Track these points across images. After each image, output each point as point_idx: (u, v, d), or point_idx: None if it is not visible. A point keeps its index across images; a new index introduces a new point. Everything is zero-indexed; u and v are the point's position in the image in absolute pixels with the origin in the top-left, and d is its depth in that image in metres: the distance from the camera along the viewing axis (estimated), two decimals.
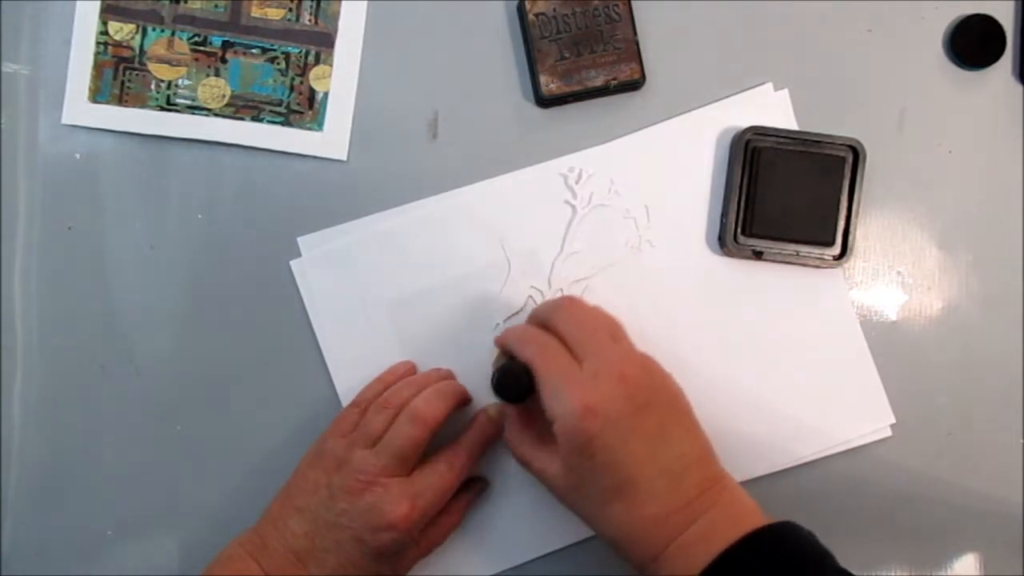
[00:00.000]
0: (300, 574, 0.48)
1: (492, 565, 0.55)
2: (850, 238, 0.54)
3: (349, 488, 0.48)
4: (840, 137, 0.54)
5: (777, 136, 0.54)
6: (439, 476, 0.50)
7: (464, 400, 0.53)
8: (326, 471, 0.49)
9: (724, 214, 0.55)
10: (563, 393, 0.45)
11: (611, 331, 0.49)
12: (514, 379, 0.48)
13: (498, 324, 0.55)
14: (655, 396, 0.47)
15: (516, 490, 0.55)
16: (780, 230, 0.54)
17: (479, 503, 0.55)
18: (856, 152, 0.54)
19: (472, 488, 0.54)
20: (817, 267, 0.55)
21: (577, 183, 0.55)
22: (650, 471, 0.45)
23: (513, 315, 0.55)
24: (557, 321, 0.49)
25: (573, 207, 0.56)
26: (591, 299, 0.55)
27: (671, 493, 0.45)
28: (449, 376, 0.54)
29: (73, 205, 0.55)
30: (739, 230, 0.55)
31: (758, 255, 0.55)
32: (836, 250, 0.55)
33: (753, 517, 0.45)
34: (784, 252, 0.55)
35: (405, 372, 0.54)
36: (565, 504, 0.48)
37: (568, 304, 0.50)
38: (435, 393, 0.51)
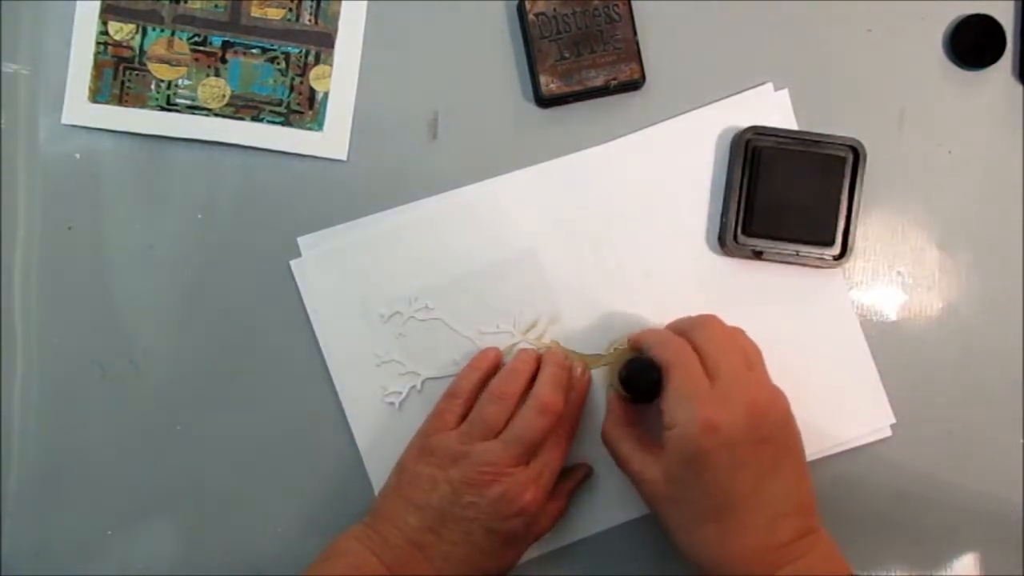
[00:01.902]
0: (424, 569, 0.48)
1: None
2: (850, 238, 0.54)
3: (474, 481, 0.48)
4: (840, 137, 0.54)
5: (777, 136, 0.54)
6: (552, 450, 0.51)
7: (570, 378, 0.53)
8: (441, 466, 0.49)
9: (724, 213, 0.55)
10: (691, 402, 0.46)
11: (748, 357, 0.49)
12: (646, 374, 0.49)
13: (497, 324, 0.55)
14: (777, 432, 0.47)
15: None
16: (780, 230, 0.54)
17: None
18: (856, 152, 0.54)
19: (575, 474, 0.54)
20: (817, 267, 0.55)
21: (577, 182, 0.55)
22: (754, 503, 0.45)
23: (513, 314, 0.55)
24: (697, 336, 0.49)
25: (573, 207, 0.56)
26: (591, 298, 0.56)
27: (769, 531, 0.45)
28: (539, 357, 0.53)
29: (73, 205, 0.55)
30: (739, 230, 0.55)
31: (758, 255, 0.55)
32: (836, 250, 0.55)
33: (843, 567, 0.46)
34: (784, 252, 0.55)
35: (496, 357, 0.54)
36: (654, 512, 0.49)
37: (711, 322, 0.50)
38: (552, 381, 0.51)
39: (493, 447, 0.49)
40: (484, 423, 0.50)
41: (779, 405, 0.48)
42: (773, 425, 0.47)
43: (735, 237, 0.55)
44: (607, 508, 0.55)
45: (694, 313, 0.55)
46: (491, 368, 0.53)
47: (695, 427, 0.45)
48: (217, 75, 0.55)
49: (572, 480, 0.54)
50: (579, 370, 0.54)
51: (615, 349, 0.55)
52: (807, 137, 0.54)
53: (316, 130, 0.55)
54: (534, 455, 0.50)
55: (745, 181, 0.54)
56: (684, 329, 0.50)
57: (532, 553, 0.55)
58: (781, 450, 0.47)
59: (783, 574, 0.45)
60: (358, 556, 0.48)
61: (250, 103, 0.55)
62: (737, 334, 0.51)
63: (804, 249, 0.55)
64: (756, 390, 0.47)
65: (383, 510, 0.50)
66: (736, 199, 0.54)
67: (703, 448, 0.45)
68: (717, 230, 0.56)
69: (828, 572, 0.45)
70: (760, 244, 0.55)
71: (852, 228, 0.54)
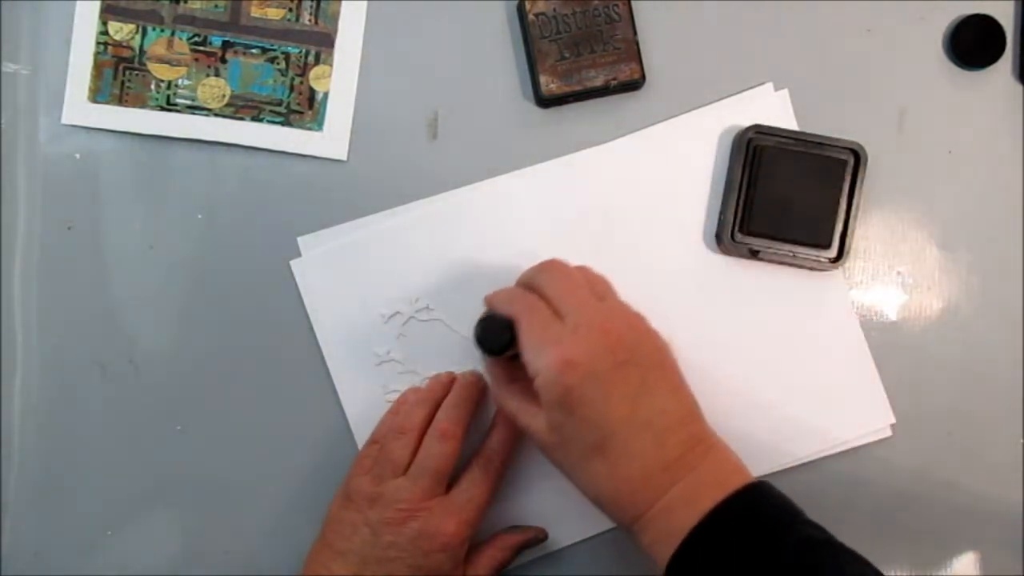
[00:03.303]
0: None
1: None
2: (847, 241, 0.54)
3: (391, 520, 0.48)
4: (842, 140, 0.54)
5: (779, 136, 0.54)
6: (477, 486, 0.50)
7: (480, 395, 0.53)
8: (359, 510, 0.49)
9: (722, 211, 0.55)
10: (543, 345, 0.45)
11: (595, 288, 0.49)
12: (496, 330, 0.48)
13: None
14: (638, 351, 0.46)
15: (517, 491, 0.55)
16: (777, 230, 0.54)
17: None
18: (857, 155, 0.54)
19: (526, 531, 0.54)
20: (812, 269, 0.55)
21: (577, 182, 0.55)
22: (631, 427, 0.45)
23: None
24: (541, 281, 0.48)
25: (573, 207, 0.56)
26: None
27: (653, 451, 0.45)
28: (451, 380, 0.54)
29: (73, 205, 0.55)
30: (736, 228, 0.55)
31: (754, 254, 0.55)
32: (832, 253, 0.55)
33: (738, 476, 0.45)
34: (780, 252, 0.55)
35: (415, 400, 0.53)
36: (551, 461, 0.48)
37: (551, 265, 0.50)
38: (452, 406, 0.51)
39: (402, 483, 0.49)
40: (390, 461, 0.50)
41: (635, 327, 0.47)
42: (631, 347, 0.46)
43: (732, 235, 0.55)
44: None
45: (694, 313, 0.56)
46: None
47: (554, 369, 0.44)
48: (217, 75, 0.55)
49: (520, 535, 0.53)
50: (469, 376, 0.53)
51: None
52: (809, 138, 0.54)
53: (316, 130, 0.55)
54: (448, 486, 0.50)
55: (745, 180, 0.54)
56: (528, 279, 0.50)
57: (533, 554, 0.55)
58: (647, 368, 0.46)
59: (677, 491, 0.44)
60: None
61: (250, 103, 0.55)
62: (582, 270, 0.50)
63: (801, 250, 0.55)
64: (607, 318, 0.46)
65: (311, 564, 0.50)
66: (735, 197, 0.54)
67: (567, 386, 0.44)
68: (715, 229, 0.56)
69: (723, 478, 0.44)
70: (757, 243, 0.55)
71: (850, 231, 0.54)
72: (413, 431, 0.50)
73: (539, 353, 0.45)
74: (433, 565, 0.48)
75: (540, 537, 0.54)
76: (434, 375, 0.54)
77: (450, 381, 0.53)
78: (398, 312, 0.55)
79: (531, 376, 0.46)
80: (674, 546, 0.43)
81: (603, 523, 0.55)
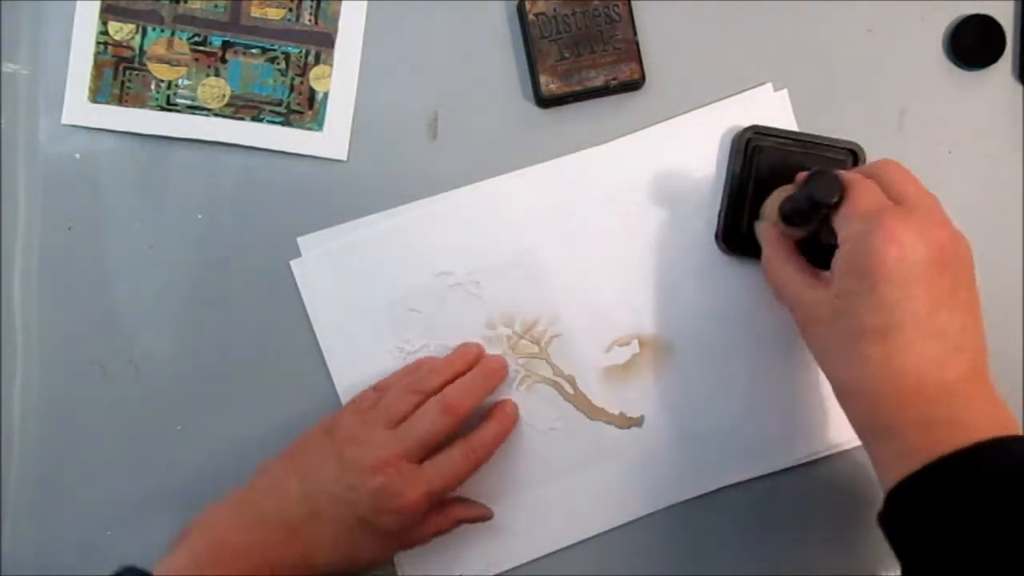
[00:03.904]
0: (291, 547, 0.47)
1: (494, 565, 0.55)
2: (831, 263, 0.54)
3: (362, 465, 0.47)
4: (840, 140, 0.54)
5: (777, 136, 0.54)
6: (453, 466, 0.49)
7: (496, 385, 0.52)
8: (337, 443, 0.49)
9: (721, 211, 0.55)
10: (873, 214, 0.43)
11: (935, 199, 0.46)
12: (829, 184, 0.45)
13: (497, 324, 0.55)
14: (959, 264, 0.44)
15: (513, 492, 0.55)
16: None
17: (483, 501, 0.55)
18: (856, 155, 0.54)
19: (474, 508, 0.54)
20: None
21: (577, 182, 0.55)
22: (923, 329, 0.42)
23: (513, 314, 0.55)
24: (877, 170, 0.47)
25: (573, 207, 0.56)
26: (591, 298, 0.56)
27: (936, 364, 0.42)
28: (478, 357, 0.53)
29: (73, 205, 0.55)
30: (735, 227, 0.55)
31: (753, 253, 0.55)
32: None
33: (1006, 426, 0.42)
34: None
35: (436, 366, 0.53)
36: (807, 336, 0.47)
37: (894, 164, 0.47)
38: (468, 385, 0.51)
39: (388, 436, 0.48)
40: (387, 412, 0.49)
41: (964, 244, 0.45)
42: (955, 258, 0.44)
43: (731, 235, 0.55)
44: (606, 509, 0.55)
45: (694, 312, 0.56)
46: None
47: (877, 237, 0.42)
48: (217, 75, 0.55)
49: (467, 511, 0.53)
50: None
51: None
52: (807, 138, 0.54)
53: (316, 130, 0.55)
54: (429, 458, 0.49)
55: (743, 180, 0.54)
56: (867, 170, 0.48)
57: (532, 555, 0.55)
58: (961, 284, 0.44)
59: (941, 413, 0.41)
60: (226, 531, 0.47)
61: (250, 103, 0.55)
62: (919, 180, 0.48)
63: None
64: (940, 223, 0.44)
65: (268, 472, 0.49)
66: (734, 198, 0.54)
67: (882, 259, 0.42)
68: (715, 229, 0.56)
69: (992, 420, 0.41)
70: (753, 243, 0.54)
71: (832, 253, 0.54)
72: (424, 394, 0.50)
73: (865, 219, 0.43)
74: (381, 523, 0.48)
75: (487, 517, 0.54)
76: (463, 344, 0.54)
77: (475, 357, 0.53)
78: (398, 312, 0.55)
79: (841, 241, 0.44)
80: (911, 469, 0.41)
81: (602, 525, 0.56)
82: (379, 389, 0.52)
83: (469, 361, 0.53)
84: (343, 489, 0.48)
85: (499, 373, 0.53)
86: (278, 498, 0.48)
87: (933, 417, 0.42)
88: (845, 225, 0.45)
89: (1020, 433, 0.42)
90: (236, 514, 0.48)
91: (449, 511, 0.52)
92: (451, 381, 0.51)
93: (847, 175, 0.46)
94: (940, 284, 0.43)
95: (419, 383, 0.51)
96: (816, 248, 0.49)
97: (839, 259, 0.45)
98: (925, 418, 0.42)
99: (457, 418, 0.49)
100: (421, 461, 0.49)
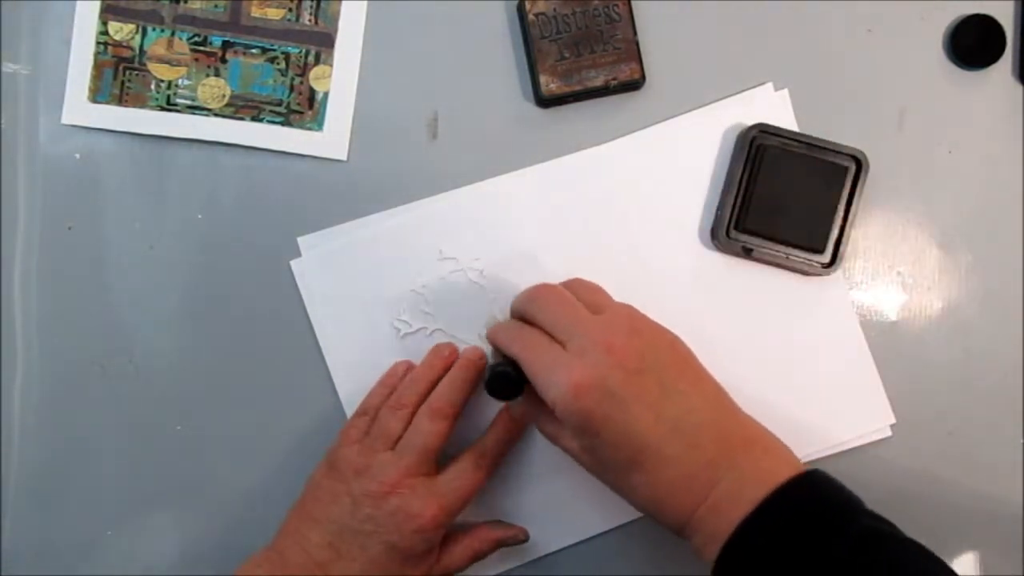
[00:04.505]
0: None
1: (493, 565, 0.55)
2: (841, 247, 0.54)
3: (372, 493, 0.48)
4: (846, 146, 0.54)
5: (782, 136, 0.54)
6: (465, 477, 0.50)
7: (480, 375, 0.52)
8: (343, 480, 0.49)
9: (719, 207, 0.55)
10: (553, 378, 0.45)
11: (591, 301, 0.48)
12: (504, 380, 0.48)
13: (496, 318, 0.55)
14: (649, 356, 0.45)
15: (514, 491, 0.55)
16: (772, 229, 0.54)
17: (480, 504, 0.55)
18: (859, 163, 0.54)
19: (509, 529, 0.53)
20: (804, 273, 0.55)
21: (577, 182, 0.55)
22: (659, 434, 0.44)
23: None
24: (534, 312, 0.48)
25: (573, 207, 0.56)
26: None
27: (688, 454, 0.44)
28: (453, 355, 0.53)
29: (73, 205, 0.55)
30: (731, 224, 0.55)
31: (747, 252, 0.55)
32: (826, 258, 0.55)
33: (786, 467, 0.44)
34: (773, 252, 0.55)
35: (406, 371, 0.54)
36: (596, 477, 0.48)
37: (540, 292, 0.49)
38: (449, 386, 0.51)
39: (388, 458, 0.49)
40: (382, 434, 0.50)
41: (639, 330, 0.46)
42: (641, 354, 0.45)
43: (727, 232, 0.55)
44: (603, 511, 0.55)
45: (694, 313, 0.55)
46: (398, 382, 0.53)
47: (568, 397, 0.43)
48: (217, 75, 0.55)
49: (501, 531, 0.53)
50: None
51: (492, 351, 0.53)
52: (812, 141, 0.54)
53: (316, 130, 0.55)
54: (434, 467, 0.49)
55: (744, 178, 0.54)
56: (521, 310, 0.49)
57: (532, 555, 0.55)
58: (662, 371, 0.45)
59: (722, 488, 0.43)
60: None
61: (250, 103, 0.55)
62: (572, 285, 0.49)
63: (794, 252, 0.55)
64: (609, 332, 0.45)
65: (287, 528, 0.50)
66: (733, 194, 0.54)
67: (585, 411, 0.43)
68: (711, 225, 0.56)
69: (769, 470, 0.43)
70: (751, 242, 0.55)
71: (845, 238, 0.54)
72: (410, 406, 0.50)
73: (550, 386, 0.45)
74: (407, 545, 0.48)
75: (521, 538, 0.53)
76: (435, 346, 0.54)
77: (452, 356, 0.53)
78: (398, 312, 0.55)
79: (551, 408, 0.45)
80: (721, 544, 0.42)
81: (602, 525, 0.56)
82: (364, 413, 0.52)
83: (446, 360, 0.53)
84: (361, 521, 0.48)
85: (477, 365, 0.52)
86: (302, 548, 0.48)
87: (719, 498, 0.43)
88: (543, 395, 0.45)
89: (798, 464, 0.44)
90: (262, 567, 0.48)
91: (483, 534, 0.52)
92: (435, 384, 0.51)
93: (514, 346, 0.47)
94: (647, 389, 0.44)
95: (403, 397, 0.51)
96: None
97: (562, 421, 0.45)
98: (712, 503, 0.43)
99: (449, 420, 0.50)
100: (431, 473, 0.49)
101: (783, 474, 0.43)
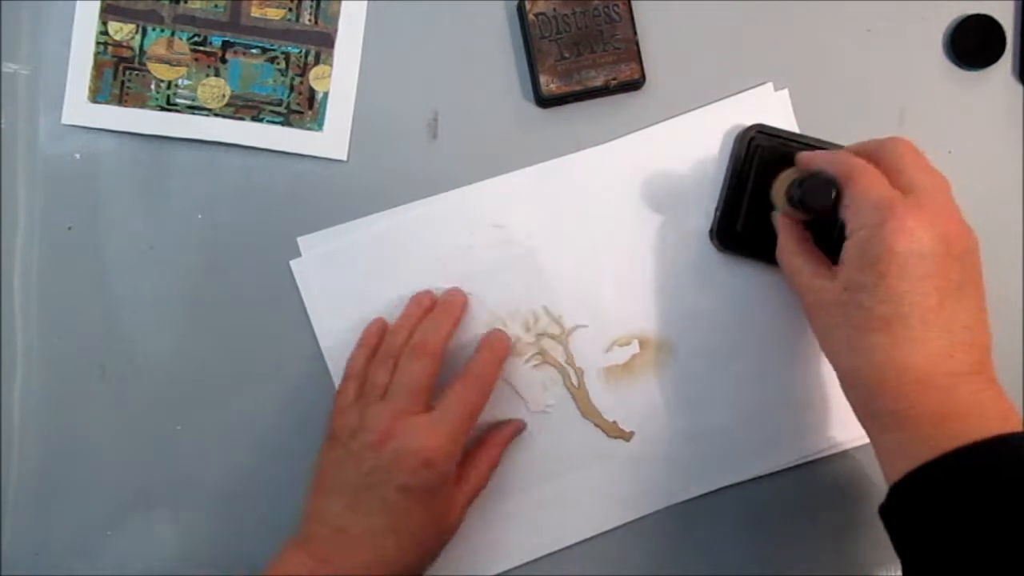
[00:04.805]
0: (355, 553, 0.47)
1: (493, 565, 0.55)
2: (841, 250, 0.54)
3: (371, 444, 0.47)
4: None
5: (780, 137, 0.54)
6: (457, 400, 0.49)
7: (462, 313, 0.52)
8: (343, 444, 0.49)
9: (719, 208, 0.55)
10: (882, 205, 0.43)
11: (946, 191, 0.46)
12: (822, 187, 0.46)
13: (500, 318, 0.55)
14: (968, 258, 0.44)
15: (518, 489, 0.55)
16: (771, 230, 0.54)
17: (479, 504, 0.55)
18: None
19: (504, 427, 0.54)
20: None
21: (577, 182, 0.55)
22: (932, 320, 0.42)
23: (513, 314, 0.55)
24: (887, 154, 0.46)
25: (573, 207, 0.56)
26: (591, 298, 0.55)
27: (943, 357, 0.42)
28: (432, 302, 0.53)
29: (73, 205, 0.55)
30: (731, 225, 0.54)
31: (748, 252, 0.55)
32: None
33: (1010, 423, 0.41)
34: (772, 252, 0.54)
35: (381, 328, 0.53)
36: (814, 324, 0.47)
37: (899, 142, 0.46)
38: (431, 323, 0.51)
39: (378, 407, 0.48)
40: (373, 388, 0.50)
41: (971, 236, 0.45)
42: (964, 251, 0.44)
43: (727, 232, 0.55)
44: (603, 510, 0.55)
45: (694, 313, 0.56)
46: (377, 340, 0.53)
47: (887, 229, 0.42)
48: (217, 75, 0.55)
49: (506, 428, 0.53)
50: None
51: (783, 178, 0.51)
52: (809, 142, 0.54)
53: (316, 130, 0.55)
54: (427, 406, 0.49)
55: (743, 179, 0.54)
56: (870, 150, 0.47)
57: (531, 555, 0.55)
58: (968, 278, 0.43)
59: (950, 405, 0.41)
60: (287, 554, 0.47)
61: (250, 103, 0.55)
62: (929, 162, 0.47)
63: None
64: (950, 215, 0.44)
65: (306, 510, 0.50)
66: (732, 195, 0.54)
67: (892, 250, 0.42)
68: (714, 227, 0.56)
69: (996, 416, 0.41)
70: (751, 241, 0.54)
71: (844, 239, 0.54)
72: (396, 355, 0.50)
73: (874, 210, 0.43)
74: (419, 482, 0.47)
75: (521, 426, 0.55)
76: (414, 296, 0.54)
77: (431, 301, 0.53)
78: (398, 312, 0.55)
79: (849, 232, 0.44)
80: (918, 461, 0.40)
81: (602, 525, 0.56)
82: (352, 378, 0.52)
83: (426, 307, 0.53)
84: (367, 475, 0.47)
85: (460, 305, 0.53)
86: (324, 520, 0.48)
87: (941, 410, 0.41)
88: (854, 215, 0.44)
89: (1020, 427, 0.42)
90: (290, 546, 0.48)
91: (494, 439, 0.52)
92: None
93: (849, 163, 0.46)
94: (948, 278, 0.43)
95: (387, 348, 0.51)
96: (832, 236, 0.49)
97: (848, 249, 0.44)
98: (932, 411, 0.42)
99: (432, 356, 0.49)
100: (425, 412, 0.49)
101: (1014, 422, 0.41)
